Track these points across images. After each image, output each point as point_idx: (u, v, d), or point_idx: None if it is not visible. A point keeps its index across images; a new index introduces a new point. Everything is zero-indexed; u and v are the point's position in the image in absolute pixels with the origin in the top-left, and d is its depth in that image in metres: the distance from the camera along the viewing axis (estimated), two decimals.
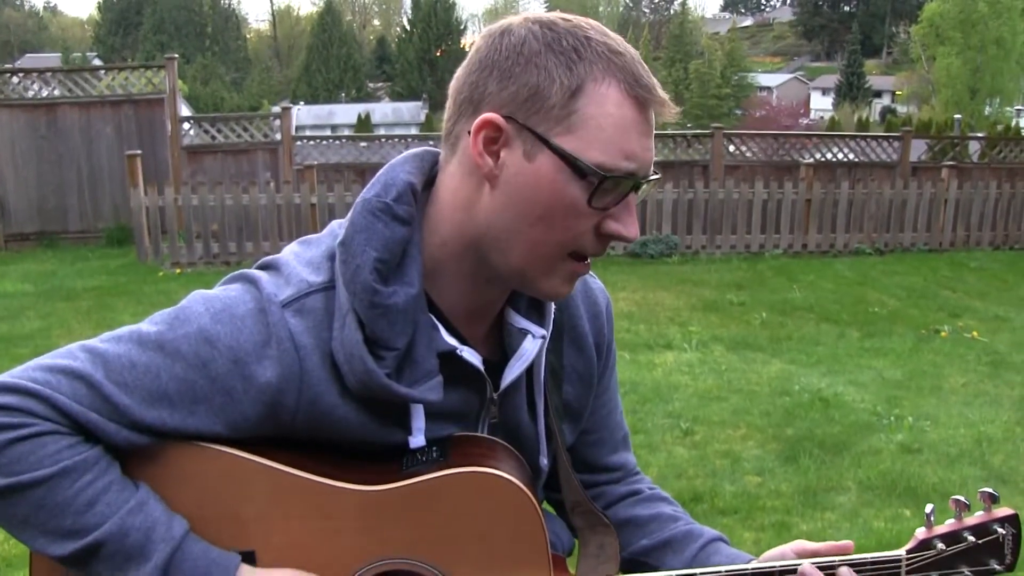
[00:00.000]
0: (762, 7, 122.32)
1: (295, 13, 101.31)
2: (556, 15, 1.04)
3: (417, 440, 1.10)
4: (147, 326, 1.07)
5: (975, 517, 1.18)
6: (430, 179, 1.13)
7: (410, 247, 1.07)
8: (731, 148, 13.01)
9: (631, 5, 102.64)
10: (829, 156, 13.24)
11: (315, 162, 11.87)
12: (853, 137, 14.11)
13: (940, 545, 1.16)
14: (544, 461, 1.24)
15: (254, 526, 1.08)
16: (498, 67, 1.02)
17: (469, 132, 1.02)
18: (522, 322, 1.17)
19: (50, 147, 11.91)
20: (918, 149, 14.07)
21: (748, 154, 13.12)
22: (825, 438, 4.88)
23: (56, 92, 12.13)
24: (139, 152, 10.43)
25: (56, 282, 9.43)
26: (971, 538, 1.16)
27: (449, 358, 1.09)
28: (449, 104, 1.08)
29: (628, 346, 6.87)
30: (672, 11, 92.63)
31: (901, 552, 1.16)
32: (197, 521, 1.07)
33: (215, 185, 10.31)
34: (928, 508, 1.18)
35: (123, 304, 8.09)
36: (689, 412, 5.35)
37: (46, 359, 1.04)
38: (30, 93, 12.10)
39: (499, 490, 1.07)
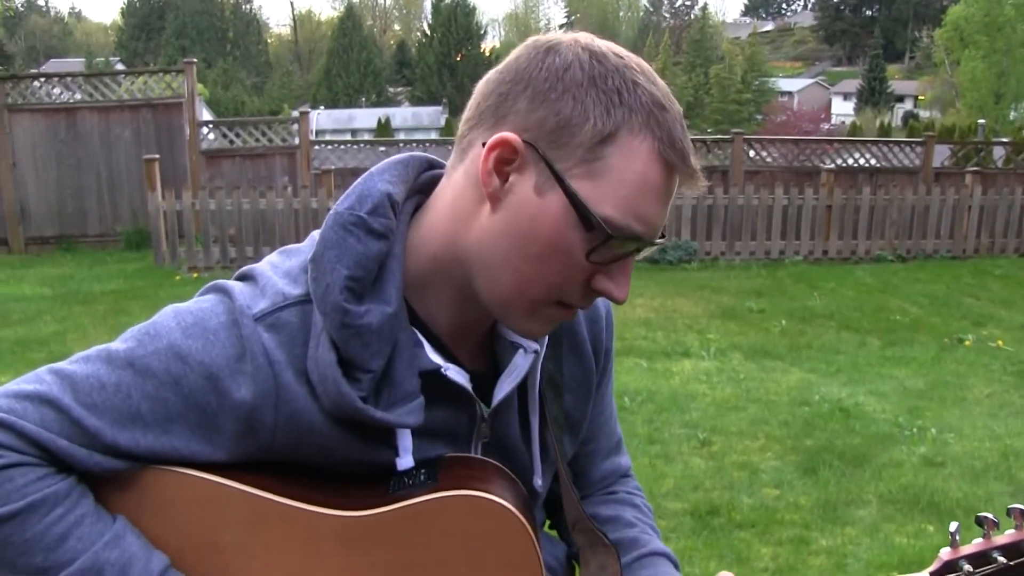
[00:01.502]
0: (783, 12, 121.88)
1: (316, 18, 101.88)
2: (608, 46, 0.97)
3: (405, 462, 1.04)
4: (117, 344, 1.01)
5: (1005, 536, 1.09)
6: (419, 187, 1.07)
7: (388, 262, 1.01)
8: (751, 153, 12.91)
9: (651, 10, 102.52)
10: (850, 162, 13.10)
11: (333, 166, 11.88)
12: (875, 142, 13.95)
13: (967, 567, 1.07)
14: (538, 481, 1.17)
15: (234, 554, 1.02)
16: (534, 85, 0.95)
17: (484, 144, 0.95)
18: (514, 335, 1.10)
19: (70, 151, 11.99)
20: (941, 154, 13.88)
21: (768, 159, 13.01)
22: (845, 450, 4.77)
23: (76, 96, 12.21)
24: (157, 156, 10.45)
25: (73, 286, 9.46)
26: (1001, 559, 1.07)
27: (435, 376, 1.03)
28: (470, 106, 1.01)
29: (645, 353, 6.80)
30: (693, 16, 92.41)
31: (925, 574, 1.09)
32: (175, 551, 1.01)
33: (232, 189, 10.33)
34: (953, 526, 1.10)
35: (139, 308, 8.08)
36: (706, 422, 5.26)
37: (12, 385, 0.99)
38: (52, 97, 12.18)
39: (490, 514, 1.01)
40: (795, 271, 10.41)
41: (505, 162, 0.95)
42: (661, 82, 0.97)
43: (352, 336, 0.96)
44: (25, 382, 0.99)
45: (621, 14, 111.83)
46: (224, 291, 1.04)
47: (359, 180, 1.04)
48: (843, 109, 65.05)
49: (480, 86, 1.00)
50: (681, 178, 0.96)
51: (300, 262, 1.05)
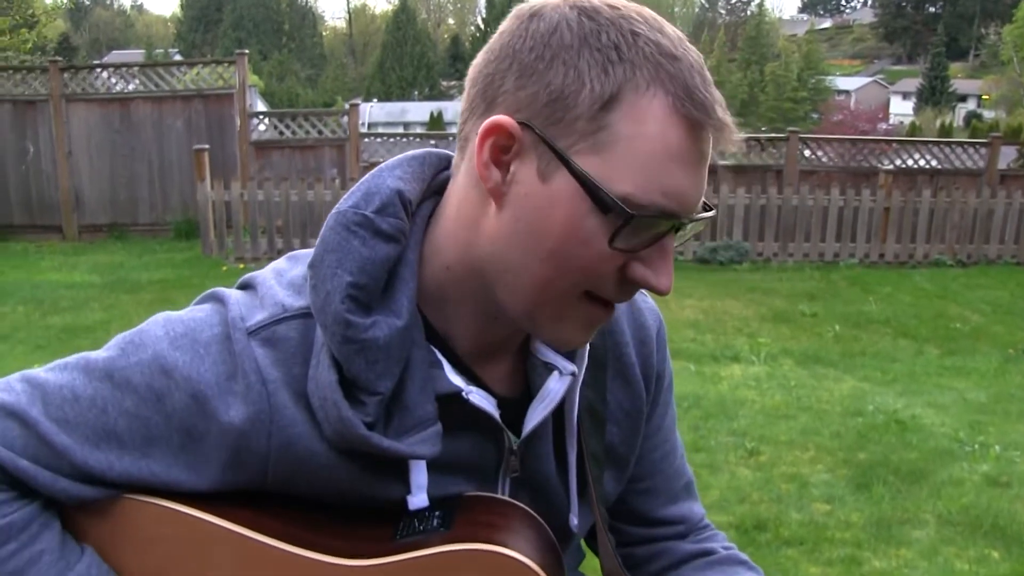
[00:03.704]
0: (842, 9, 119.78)
1: (371, 11, 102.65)
2: (606, 6, 0.82)
3: (418, 500, 0.91)
4: (100, 352, 0.90)
5: None
6: (436, 187, 0.94)
7: (400, 268, 0.87)
8: (807, 153, 12.59)
9: (707, 6, 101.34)
10: (910, 163, 12.70)
11: (382, 159, 11.83)
12: (936, 143, 13.49)
13: None
14: (575, 521, 1.03)
15: None
16: (519, 59, 0.81)
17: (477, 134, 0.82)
18: (549, 355, 0.96)
19: (123, 141, 12.13)
20: (1007, 156, 13.42)
21: (824, 159, 12.68)
22: (901, 464, 4.56)
23: (131, 87, 12.35)
24: (207, 147, 10.50)
25: (122, 274, 9.54)
26: None
27: (455, 401, 0.89)
28: (464, 97, 0.88)
29: (693, 357, 6.62)
30: (749, 12, 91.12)
31: None
32: None
33: (281, 180, 10.33)
34: None
35: (184, 298, 8.08)
36: (755, 430, 5.07)
37: None
38: (109, 87, 12.33)
39: (507, 572, 0.87)
40: (850, 274, 10.11)
41: (503, 151, 0.81)
42: (671, 29, 0.82)
43: (355, 352, 0.83)
44: None
45: (675, 10, 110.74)
46: (220, 300, 0.92)
47: (366, 176, 0.91)
48: (902, 109, 63.69)
49: (469, 72, 0.87)
50: (711, 134, 0.80)
51: (305, 269, 0.93)
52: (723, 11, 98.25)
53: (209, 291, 0.96)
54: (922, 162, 12.70)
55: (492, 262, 0.85)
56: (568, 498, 1.02)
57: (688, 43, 0.82)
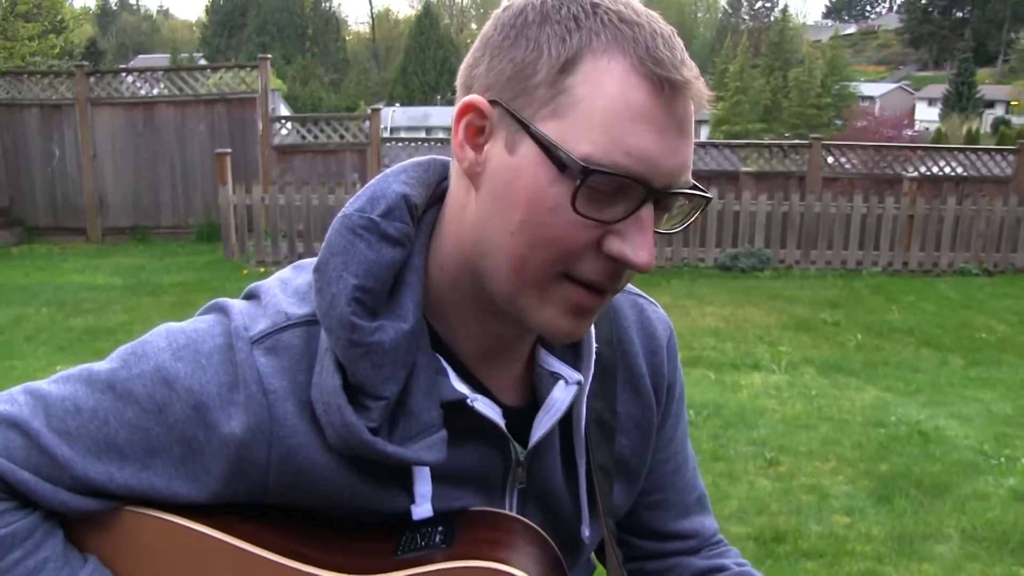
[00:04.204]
0: (866, 14, 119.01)
1: (394, 16, 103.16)
2: None
3: (422, 510, 0.89)
4: (102, 363, 0.89)
5: None
6: (440, 194, 0.93)
7: (405, 273, 0.86)
8: (830, 159, 12.49)
9: (730, 11, 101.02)
10: (935, 170, 12.56)
11: None
12: (962, 150, 13.34)
13: None
14: (586, 532, 1.01)
15: None
16: (491, 45, 0.83)
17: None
18: (555, 364, 0.95)
19: (146, 144, 12.24)
20: None
21: (847, 166, 12.58)
22: (923, 477, 4.49)
23: (155, 91, 12.46)
24: (229, 151, 10.58)
25: (144, 276, 9.62)
26: None
27: (459, 409, 0.88)
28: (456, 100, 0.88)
29: (713, 365, 6.58)
30: (772, 18, 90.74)
31: None
32: None
33: (302, 185, 10.36)
34: None
35: (205, 300, 7.94)
36: (775, 440, 5.02)
37: None
38: (133, 92, 12.44)
39: None
40: (873, 282, 10.02)
41: (477, 132, 0.82)
42: (639, 5, 0.82)
43: (361, 356, 0.82)
44: None
45: (699, 15, 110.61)
46: (223, 310, 0.91)
47: (372, 181, 0.91)
48: (928, 115, 63.12)
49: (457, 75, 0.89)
50: (677, 95, 0.78)
51: (310, 278, 0.92)
52: (746, 16, 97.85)
53: (212, 301, 0.95)
54: (947, 169, 12.56)
55: (476, 249, 0.85)
56: (578, 509, 1.00)
57: (657, 16, 0.82)
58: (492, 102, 0.81)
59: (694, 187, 0.82)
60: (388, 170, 0.92)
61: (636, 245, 0.80)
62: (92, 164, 12.20)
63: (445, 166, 0.94)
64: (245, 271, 9.85)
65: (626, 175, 0.77)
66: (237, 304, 0.92)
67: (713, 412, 5.43)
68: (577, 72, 0.77)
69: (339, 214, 0.88)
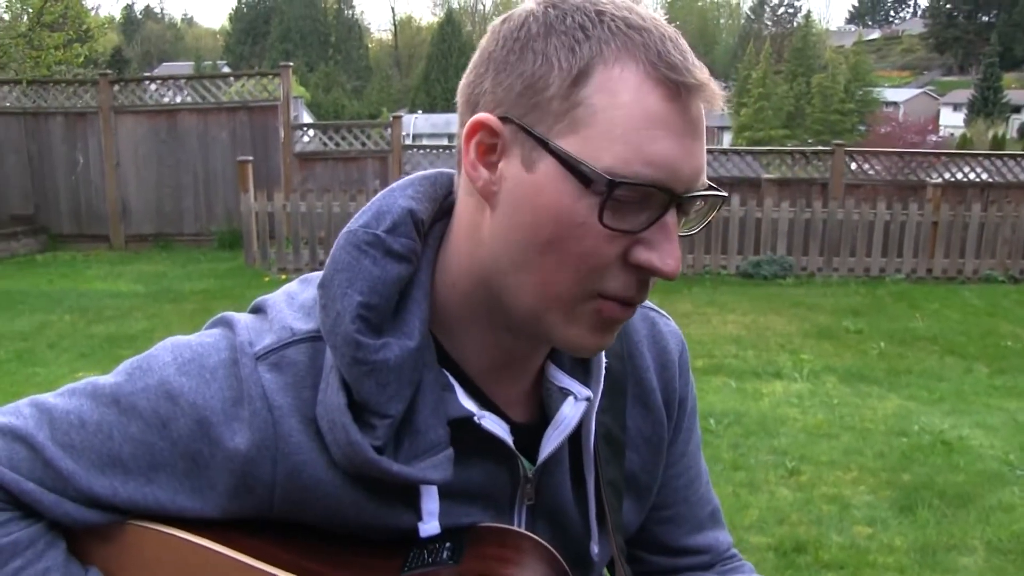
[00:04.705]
0: (890, 19, 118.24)
1: (416, 23, 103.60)
2: None
3: (429, 527, 0.88)
4: (107, 376, 0.90)
5: None
6: (448, 208, 0.92)
7: (412, 289, 0.86)
8: (852, 166, 12.40)
9: (752, 17, 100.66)
10: (959, 176, 12.44)
11: (425, 171, 11.90)
12: (987, 155, 13.20)
13: None
14: (596, 549, 0.99)
15: None
16: (495, 60, 0.81)
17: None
18: (564, 380, 0.94)
19: (169, 152, 12.35)
20: None
21: (871, 172, 12.48)
22: (947, 487, 4.43)
23: (178, 99, 12.58)
24: (250, 158, 10.63)
25: (166, 283, 9.68)
26: None
27: (467, 426, 0.87)
28: (457, 115, 0.88)
29: (735, 373, 6.53)
30: (795, 24, 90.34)
31: None
32: None
33: (323, 192, 10.41)
34: None
35: (226, 308, 8.17)
36: (796, 449, 4.98)
37: None
38: (157, 99, 12.56)
39: None
40: (896, 290, 9.92)
41: (489, 150, 0.81)
42: (643, 9, 0.81)
43: (366, 374, 0.81)
44: (2, 413, 0.88)
45: (721, 21, 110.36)
46: (229, 325, 0.91)
47: (378, 196, 0.90)
48: (953, 120, 62.60)
49: (458, 90, 0.87)
50: (692, 98, 0.78)
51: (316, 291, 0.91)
52: (769, 22, 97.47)
53: (219, 315, 0.95)
54: (972, 175, 12.44)
55: (495, 267, 0.83)
56: (587, 526, 0.99)
57: (661, 19, 0.81)
58: (503, 119, 0.79)
59: (709, 187, 0.82)
60: (394, 184, 0.91)
61: (664, 252, 0.79)
62: (115, 172, 12.32)
63: (451, 179, 0.93)
64: (266, 278, 9.90)
65: (650, 184, 0.76)
66: (243, 318, 0.92)
67: (734, 421, 5.39)
68: (590, 83, 0.77)
69: (344, 230, 0.87)
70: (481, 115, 0.80)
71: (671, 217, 0.79)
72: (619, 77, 0.76)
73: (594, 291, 0.81)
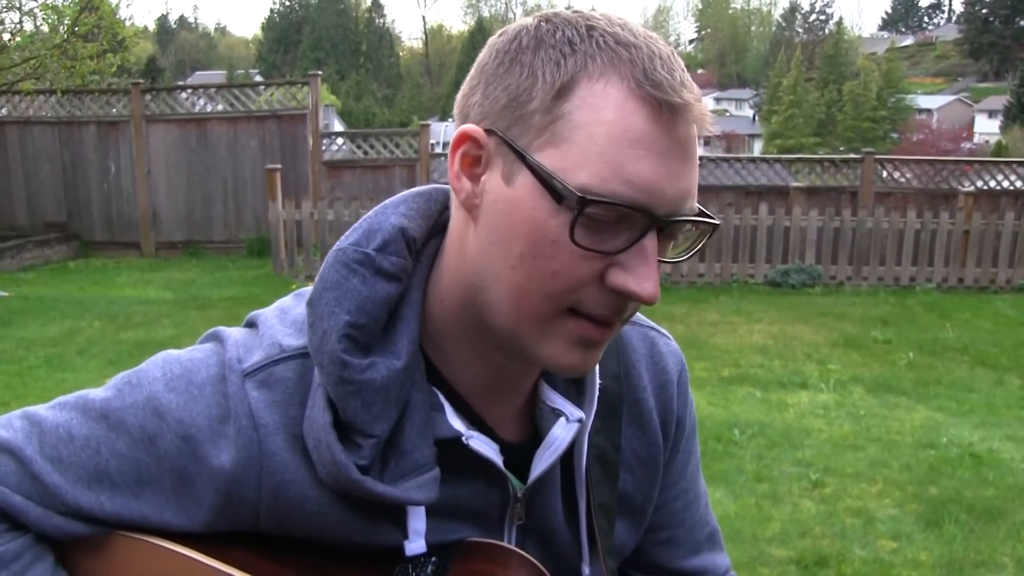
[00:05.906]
0: (924, 25, 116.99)
1: (447, 32, 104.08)
2: (567, 7, 0.82)
3: (415, 546, 0.87)
4: (98, 390, 0.90)
5: None
6: (443, 224, 0.91)
7: (402, 308, 0.85)
8: (883, 174, 12.26)
9: (784, 25, 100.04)
10: (992, 184, 12.26)
11: None
12: (1021, 163, 13.01)
13: None
14: (586, 570, 0.98)
15: None
16: (486, 73, 0.81)
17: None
18: (557, 400, 0.92)
19: (199, 160, 12.49)
20: None
21: (901, 180, 12.34)
22: (975, 502, 4.35)
23: (209, 108, 12.72)
24: (279, 167, 10.73)
25: (194, 291, 9.78)
26: None
27: (456, 446, 0.86)
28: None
29: (760, 383, 6.47)
30: (827, 30, 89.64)
31: None
32: None
33: (351, 200, 10.47)
34: None
35: None
36: (820, 461, 4.92)
37: None
38: (189, 108, 12.71)
39: None
40: (926, 300, 9.79)
41: (474, 162, 0.80)
42: (636, 26, 0.79)
43: (351, 394, 0.80)
44: None
45: (752, 29, 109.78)
46: (219, 340, 0.91)
47: (370, 213, 0.89)
48: (988, 127, 61.74)
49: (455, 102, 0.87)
50: (677, 118, 0.75)
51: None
52: (800, 30, 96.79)
53: (211, 330, 0.95)
54: (1006, 183, 12.25)
55: (477, 282, 0.82)
56: (579, 547, 0.98)
57: (656, 37, 0.79)
58: (488, 131, 0.79)
59: (700, 213, 0.80)
60: (388, 201, 0.90)
61: (640, 277, 0.77)
62: (146, 180, 12.48)
63: (447, 195, 0.92)
64: (294, 286, 9.91)
65: (626, 204, 0.74)
66: (234, 333, 0.91)
67: (758, 431, 5.34)
68: (573, 97, 0.75)
69: (334, 247, 0.86)
70: (467, 127, 0.80)
71: (650, 241, 0.77)
72: (602, 92, 0.75)
73: (567, 308, 0.79)
